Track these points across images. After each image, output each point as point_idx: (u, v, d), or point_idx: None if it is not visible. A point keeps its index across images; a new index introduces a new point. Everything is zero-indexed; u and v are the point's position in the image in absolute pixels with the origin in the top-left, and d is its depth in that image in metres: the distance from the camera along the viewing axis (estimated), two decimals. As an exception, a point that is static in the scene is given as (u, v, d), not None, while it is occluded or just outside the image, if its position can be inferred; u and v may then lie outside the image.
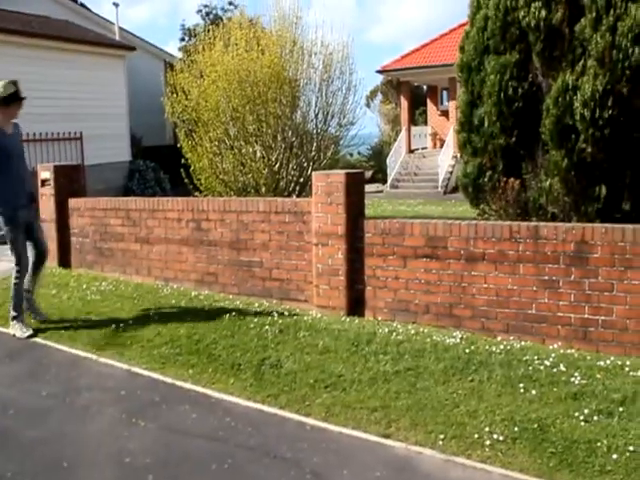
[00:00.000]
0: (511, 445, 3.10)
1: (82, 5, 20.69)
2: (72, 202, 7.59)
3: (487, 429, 3.24)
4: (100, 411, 3.76)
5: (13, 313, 5.25)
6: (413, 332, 4.74)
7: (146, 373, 4.25)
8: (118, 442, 3.38)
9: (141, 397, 3.92)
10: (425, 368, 4.05)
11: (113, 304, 5.85)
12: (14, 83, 5.19)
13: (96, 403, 3.88)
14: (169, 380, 4.12)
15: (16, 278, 5.25)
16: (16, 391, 4.10)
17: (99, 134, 15.05)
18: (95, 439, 3.43)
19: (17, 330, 5.15)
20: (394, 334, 4.70)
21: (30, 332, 5.11)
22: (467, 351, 4.29)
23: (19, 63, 13.86)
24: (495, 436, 3.17)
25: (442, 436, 3.22)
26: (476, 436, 3.19)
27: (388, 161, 19.68)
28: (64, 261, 7.56)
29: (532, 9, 6.53)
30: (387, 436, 3.29)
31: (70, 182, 7.74)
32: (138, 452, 3.25)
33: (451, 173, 18.31)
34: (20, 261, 5.24)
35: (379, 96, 27.59)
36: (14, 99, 5.14)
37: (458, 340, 4.52)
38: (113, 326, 5.16)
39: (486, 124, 6.98)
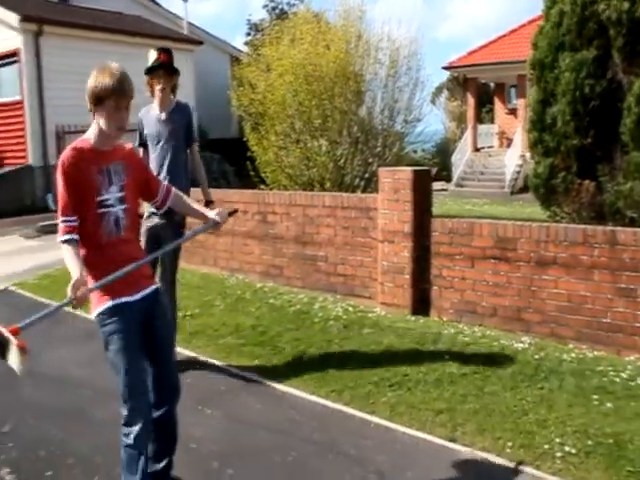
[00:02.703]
0: (584, 459, 2.97)
1: (153, 1, 21.26)
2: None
3: (558, 440, 3.12)
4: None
5: None
6: (479, 334, 4.64)
7: (212, 362, 4.33)
8: (184, 428, 3.40)
9: (207, 386, 3.99)
10: (492, 372, 3.95)
11: (179, 292, 5.96)
12: (160, 50, 4.12)
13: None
14: (234, 370, 4.18)
15: None
16: (90, 371, 4.24)
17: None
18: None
19: None
20: (460, 335, 4.61)
21: None
22: (536, 357, 4.16)
23: (95, 57, 14.39)
24: (567, 448, 3.05)
25: (510, 444, 3.13)
26: (546, 447, 3.08)
27: (453, 159, 19.33)
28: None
29: (614, 1, 6.25)
30: (453, 440, 3.23)
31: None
32: (204, 439, 3.31)
33: (518, 173, 17.82)
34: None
35: (445, 93, 27.12)
36: (155, 69, 4.07)
37: (527, 345, 4.39)
38: (180, 314, 5.26)
39: (559, 123, 6.75)
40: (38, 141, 13.72)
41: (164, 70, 4.07)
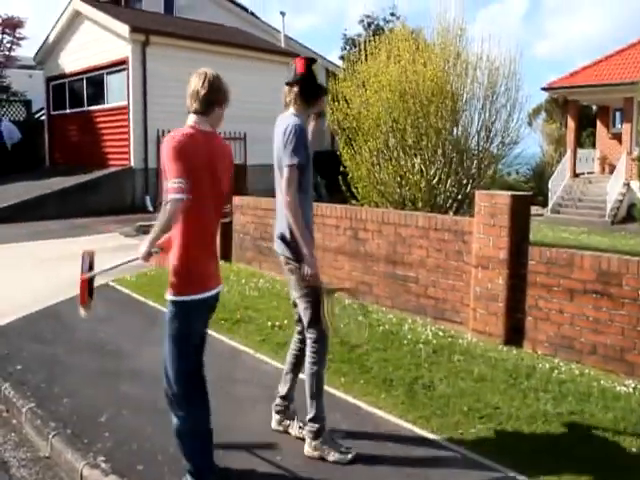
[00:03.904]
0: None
1: (252, 14, 21.98)
2: (236, 199, 8.02)
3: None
4: (254, 405, 3.89)
5: (312, 427, 3.33)
6: (577, 373, 4.41)
7: (300, 375, 4.33)
8: (269, 438, 3.47)
9: (295, 398, 4.00)
10: (591, 415, 3.74)
11: (269, 302, 6.07)
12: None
13: (250, 397, 4.03)
14: (321, 386, 4.16)
15: (313, 359, 3.47)
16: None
17: (261, 136, 15.81)
18: (247, 431, 3.55)
19: (329, 453, 3.28)
20: (556, 372, 4.40)
21: (350, 455, 3.27)
22: (642, 404, 3.90)
23: (194, 66, 15.00)
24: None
25: (612, 496, 2.95)
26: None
27: (550, 184, 18.64)
28: (225, 254, 8.01)
29: None
30: (548, 483, 3.07)
31: (234, 180, 8.18)
32: (288, 453, 3.32)
33: (621, 202, 16.98)
34: (320, 332, 3.49)
35: (542, 114, 26.27)
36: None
37: (631, 390, 4.12)
38: (269, 324, 5.35)
39: (675, 153, 6.35)
40: (140, 144, 14.46)
41: None
